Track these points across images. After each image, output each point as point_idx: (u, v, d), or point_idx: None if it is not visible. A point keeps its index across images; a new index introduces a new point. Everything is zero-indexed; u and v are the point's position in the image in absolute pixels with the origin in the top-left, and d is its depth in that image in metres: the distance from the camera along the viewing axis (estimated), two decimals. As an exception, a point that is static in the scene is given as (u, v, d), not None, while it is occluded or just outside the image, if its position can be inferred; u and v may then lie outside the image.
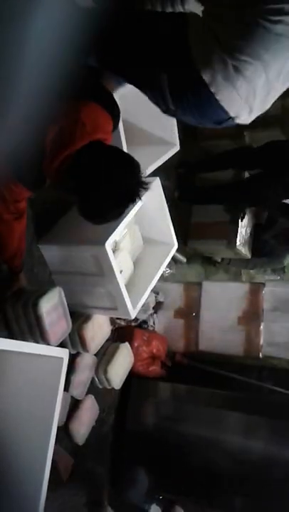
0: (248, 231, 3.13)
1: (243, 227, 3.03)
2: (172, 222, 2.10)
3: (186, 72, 1.24)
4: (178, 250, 2.29)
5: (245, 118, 1.33)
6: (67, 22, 1.07)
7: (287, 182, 2.56)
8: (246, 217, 3.07)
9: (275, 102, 1.36)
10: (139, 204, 1.79)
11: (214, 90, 1.22)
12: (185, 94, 1.29)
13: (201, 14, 1.26)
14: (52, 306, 1.54)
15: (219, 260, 3.43)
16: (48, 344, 1.51)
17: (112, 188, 1.19)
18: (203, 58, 1.20)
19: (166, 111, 1.37)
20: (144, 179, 1.25)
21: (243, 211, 2.98)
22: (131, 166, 1.23)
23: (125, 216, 1.71)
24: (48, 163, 1.17)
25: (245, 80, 1.20)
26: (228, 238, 2.95)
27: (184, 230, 3.04)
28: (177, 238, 2.18)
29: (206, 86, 1.22)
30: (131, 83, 1.44)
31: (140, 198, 1.24)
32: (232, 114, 1.29)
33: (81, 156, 1.17)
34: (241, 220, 2.98)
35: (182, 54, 1.23)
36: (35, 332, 1.50)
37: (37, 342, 1.51)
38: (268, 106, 1.33)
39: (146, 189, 1.25)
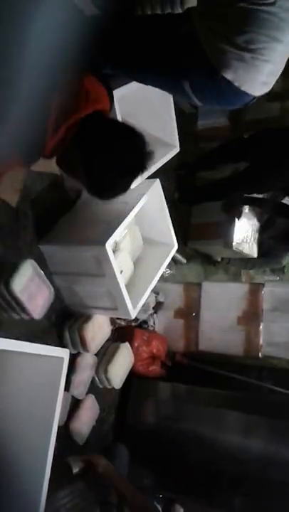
0: (253, 230, 3.14)
1: (243, 226, 3.04)
2: (172, 223, 2.11)
3: (207, 75, 1.28)
4: (178, 251, 2.30)
5: (269, 87, 1.37)
6: (69, 24, 1.08)
7: (286, 170, 2.54)
8: (251, 216, 3.08)
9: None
10: (139, 205, 1.81)
11: (238, 84, 1.27)
12: (210, 92, 1.34)
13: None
14: (27, 281, 1.49)
15: (219, 260, 3.44)
16: (32, 318, 1.51)
17: (115, 159, 1.19)
18: (221, 60, 1.23)
19: (190, 103, 1.42)
20: (148, 150, 1.25)
21: (239, 210, 2.98)
22: (133, 137, 1.23)
23: (126, 217, 1.72)
24: (52, 133, 1.15)
25: (264, 61, 1.24)
26: (224, 237, 2.97)
27: (184, 230, 3.05)
28: (177, 239, 2.19)
29: (229, 83, 1.27)
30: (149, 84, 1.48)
31: (145, 169, 1.24)
32: (257, 94, 1.35)
33: (85, 125, 1.17)
34: (238, 219, 2.98)
35: (199, 58, 1.26)
36: (16, 308, 1.49)
37: (20, 316, 1.51)
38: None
39: (150, 160, 1.24)
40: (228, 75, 1.25)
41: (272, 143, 2.47)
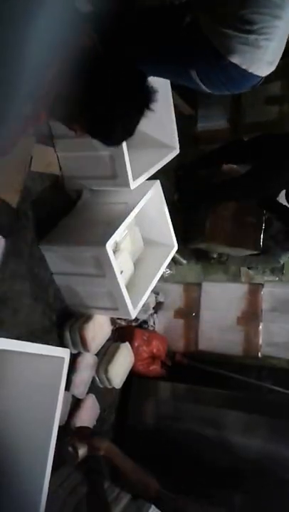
0: None
1: None
2: (174, 224, 2.12)
3: (214, 61, 1.29)
4: (178, 251, 2.31)
5: (274, 66, 1.38)
6: (70, 23, 1.08)
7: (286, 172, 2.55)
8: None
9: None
10: (139, 205, 1.82)
11: (246, 67, 1.29)
12: (218, 78, 1.35)
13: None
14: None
15: (215, 256, 3.45)
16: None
17: (119, 93, 1.17)
18: (226, 45, 1.25)
19: (198, 90, 1.42)
20: (150, 88, 1.23)
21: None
22: (134, 71, 1.22)
23: (126, 218, 1.73)
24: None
25: (267, 40, 1.26)
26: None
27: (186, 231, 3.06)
28: (178, 240, 2.20)
29: (236, 66, 1.28)
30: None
31: (151, 103, 1.23)
32: (264, 75, 1.36)
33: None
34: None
35: (204, 46, 1.27)
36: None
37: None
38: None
39: (155, 95, 1.23)
40: (235, 59, 1.26)
41: (273, 145, 2.49)
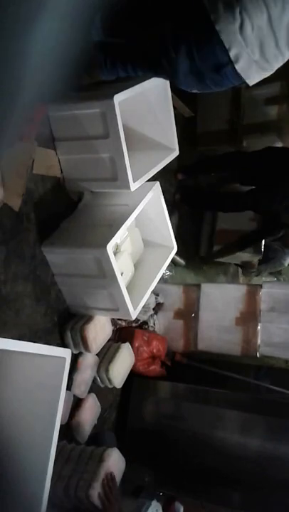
0: None
1: None
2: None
3: (190, 12, 1.32)
4: (177, 253, 2.32)
5: (243, 66, 1.36)
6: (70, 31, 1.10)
7: None
8: None
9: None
10: (140, 207, 1.84)
11: (213, 18, 1.29)
12: (187, 35, 1.36)
13: None
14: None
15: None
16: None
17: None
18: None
19: (167, 61, 1.42)
20: None
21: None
22: None
23: (126, 220, 1.74)
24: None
25: (246, 13, 1.26)
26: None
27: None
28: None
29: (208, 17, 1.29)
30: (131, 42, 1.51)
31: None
32: (232, 55, 1.33)
33: None
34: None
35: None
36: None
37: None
38: (271, 57, 1.37)
39: None
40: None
41: (275, 159, 2.52)
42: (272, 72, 1.45)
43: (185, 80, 1.47)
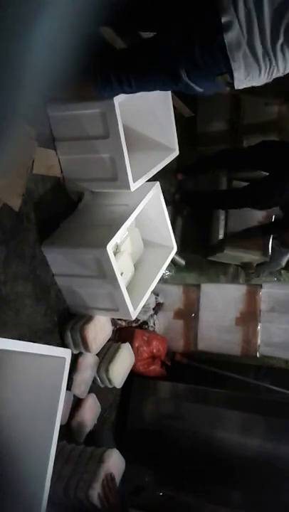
0: None
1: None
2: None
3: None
4: (177, 253, 2.32)
5: (232, 40, 1.28)
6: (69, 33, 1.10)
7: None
8: None
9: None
10: (140, 207, 1.84)
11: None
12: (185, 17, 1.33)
13: None
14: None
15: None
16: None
17: None
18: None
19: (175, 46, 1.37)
20: None
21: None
22: None
23: (126, 220, 1.74)
24: None
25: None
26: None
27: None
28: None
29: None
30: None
31: None
32: (223, 21, 1.25)
33: None
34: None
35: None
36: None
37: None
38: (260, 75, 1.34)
39: None
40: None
41: (273, 154, 2.52)
42: (259, 82, 1.37)
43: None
